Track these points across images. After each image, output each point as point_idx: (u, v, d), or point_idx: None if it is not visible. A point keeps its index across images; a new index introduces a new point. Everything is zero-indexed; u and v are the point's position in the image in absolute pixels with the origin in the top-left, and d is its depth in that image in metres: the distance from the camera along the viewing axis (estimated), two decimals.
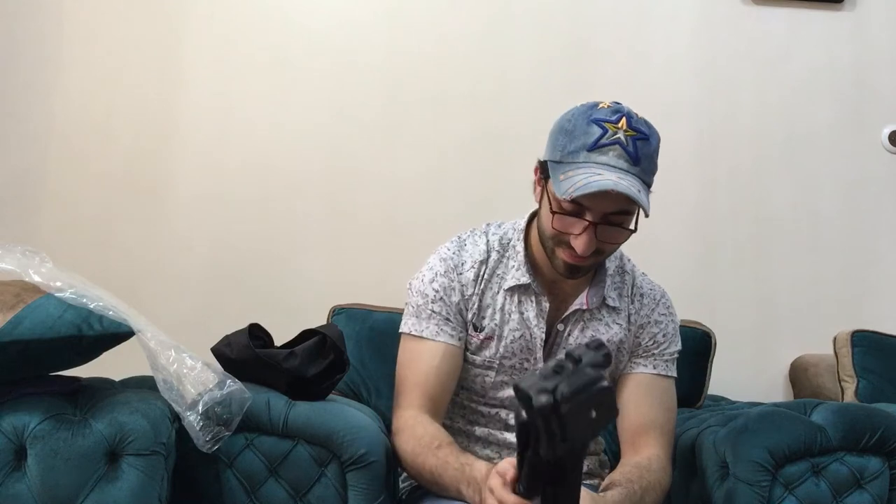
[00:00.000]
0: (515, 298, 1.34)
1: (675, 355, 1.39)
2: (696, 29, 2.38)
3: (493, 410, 1.37)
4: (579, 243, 1.19)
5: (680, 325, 1.89)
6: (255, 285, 2.21)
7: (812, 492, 1.32)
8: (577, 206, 1.18)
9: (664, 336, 1.38)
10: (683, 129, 2.35)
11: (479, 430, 1.38)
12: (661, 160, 2.40)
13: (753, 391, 2.12)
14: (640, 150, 1.18)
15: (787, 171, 2.35)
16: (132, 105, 2.25)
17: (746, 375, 2.21)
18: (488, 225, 1.41)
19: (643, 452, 1.28)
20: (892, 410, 1.42)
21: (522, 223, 1.38)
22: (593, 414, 0.71)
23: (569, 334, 1.35)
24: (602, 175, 1.14)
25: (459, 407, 1.40)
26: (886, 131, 2.37)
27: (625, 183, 1.13)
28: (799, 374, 2.20)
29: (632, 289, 1.39)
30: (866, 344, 1.96)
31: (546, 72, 2.32)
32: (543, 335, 1.33)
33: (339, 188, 2.25)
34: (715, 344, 1.93)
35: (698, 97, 2.36)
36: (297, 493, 1.26)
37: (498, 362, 1.34)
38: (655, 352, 1.37)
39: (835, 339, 2.01)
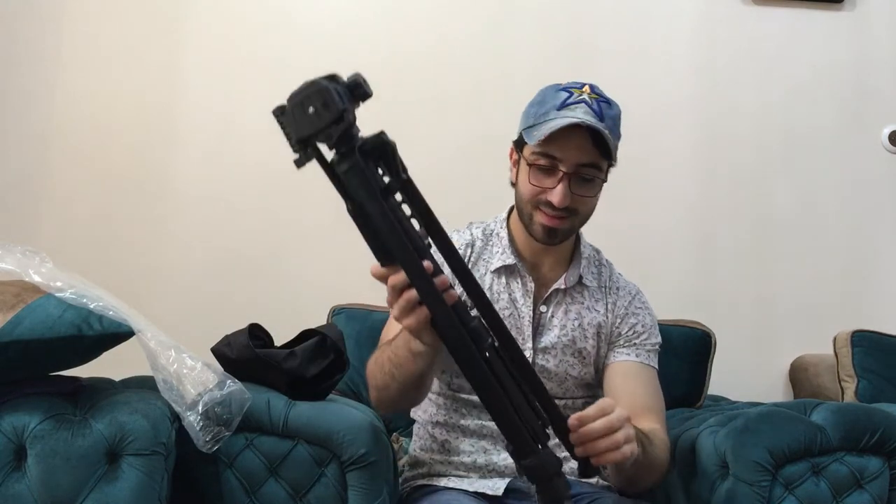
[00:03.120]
0: (503, 280, 1.39)
1: (657, 347, 1.42)
2: (696, 29, 2.38)
3: None
4: (555, 194, 1.27)
5: (680, 325, 1.91)
6: (255, 285, 2.21)
7: (812, 492, 1.32)
8: (551, 160, 1.28)
9: (643, 326, 1.41)
10: (683, 129, 2.35)
11: (472, 423, 1.38)
12: (661, 160, 2.40)
13: (753, 391, 2.12)
14: (605, 110, 1.29)
15: (787, 171, 2.35)
16: (132, 105, 2.25)
17: (746, 375, 2.21)
18: (471, 224, 1.48)
19: (645, 427, 1.27)
20: (892, 410, 1.42)
21: (504, 214, 1.46)
22: (310, 109, 0.83)
23: (552, 315, 1.39)
24: (572, 119, 1.25)
25: (452, 400, 1.41)
26: (886, 131, 2.37)
27: (594, 125, 1.24)
28: (799, 374, 2.20)
29: (609, 280, 1.45)
30: (866, 344, 1.96)
31: (546, 72, 2.29)
32: (531, 313, 1.38)
33: None
34: (715, 344, 1.93)
35: (698, 97, 2.36)
36: (297, 493, 1.26)
37: None
38: (636, 341, 1.40)
39: (835, 339, 2.01)
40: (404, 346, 1.14)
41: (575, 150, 1.26)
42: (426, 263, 0.91)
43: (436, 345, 1.02)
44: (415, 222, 0.93)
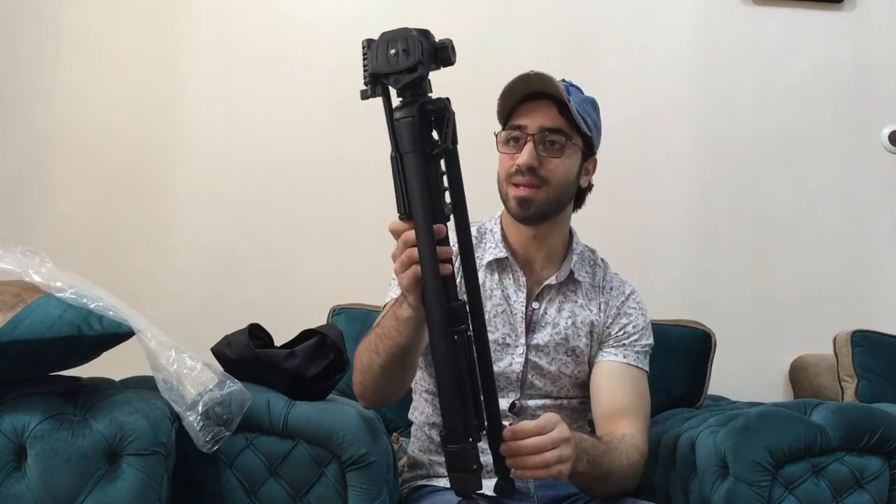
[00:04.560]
0: (496, 276, 1.40)
1: (647, 349, 1.41)
2: (696, 29, 2.38)
3: None
4: (521, 155, 1.30)
5: (680, 325, 1.91)
6: (255, 285, 2.21)
7: (812, 492, 1.32)
8: (518, 130, 1.33)
9: (634, 328, 1.41)
10: (683, 129, 2.35)
11: None
12: (661, 160, 2.39)
13: (753, 391, 2.12)
14: (572, 92, 1.34)
15: (786, 171, 2.35)
16: (132, 105, 2.25)
17: (746, 375, 2.21)
18: None
19: (616, 432, 1.29)
20: (892, 410, 1.42)
21: (498, 213, 1.46)
22: (392, 51, 0.92)
23: (545, 312, 1.39)
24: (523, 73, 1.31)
25: None
26: (886, 131, 2.37)
27: (550, 81, 1.29)
28: (799, 374, 2.20)
29: (602, 280, 1.45)
30: (866, 344, 1.96)
31: (546, 72, 2.31)
32: (524, 308, 1.38)
33: (340, 188, 2.24)
34: (715, 344, 1.93)
35: (698, 97, 2.36)
36: (297, 493, 1.26)
37: None
38: (626, 342, 1.40)
39: (835, 339, 2.01)
40: (391, 315, 1.17)
41: (539, 117, 1.32)
42: (438, 226, 0.93)
43: (419, 312, 1.05)
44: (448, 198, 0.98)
